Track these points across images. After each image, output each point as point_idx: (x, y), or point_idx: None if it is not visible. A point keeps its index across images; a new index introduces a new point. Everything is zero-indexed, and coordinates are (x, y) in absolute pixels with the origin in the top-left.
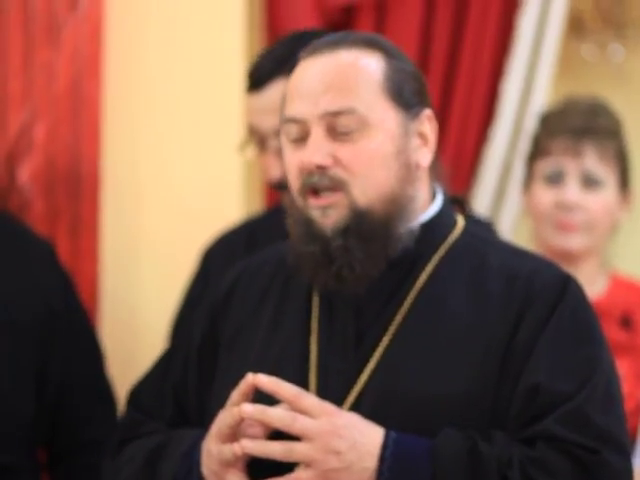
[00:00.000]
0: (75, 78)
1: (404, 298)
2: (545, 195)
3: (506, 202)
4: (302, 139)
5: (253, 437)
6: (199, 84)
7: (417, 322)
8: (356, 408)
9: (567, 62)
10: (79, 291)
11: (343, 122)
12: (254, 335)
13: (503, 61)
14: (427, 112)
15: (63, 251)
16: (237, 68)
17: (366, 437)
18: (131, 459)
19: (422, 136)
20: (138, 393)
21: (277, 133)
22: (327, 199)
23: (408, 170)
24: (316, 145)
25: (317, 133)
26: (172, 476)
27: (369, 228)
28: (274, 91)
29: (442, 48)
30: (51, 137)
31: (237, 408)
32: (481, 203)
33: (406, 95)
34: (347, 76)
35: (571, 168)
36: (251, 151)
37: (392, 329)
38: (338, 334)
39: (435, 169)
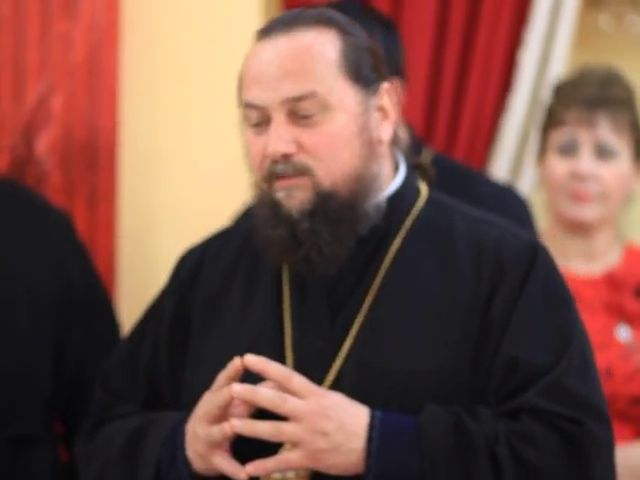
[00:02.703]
0: (92, 49)
1: (375, 274)
2: (559, 165)
3: (524, 172)
4: (263, 123)
5: (238, 416)
6: (216, 55)
7: (390, 297)
8: (335, 387)
9: (584, 33)
10: (96, 263)
11: (304, 106)
12: (225, 315)
13: (521, 32)
14: (385, 85)
15: (80, 223)
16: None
17: (353, 418)
18: (108, 442)
19: (382, 110)
20: (108, 375)
21: None
22: (291, 181)
23: (371, 147)
24: (279, 133)
25: (279, 119)
26: (155, 459)
27: (335, 209)
28: None
29: (459, 18)
30: (68, 108)
31: (227, 388)
32: (499, 173)
33: (364, 72)
34: (304, 60)
35: (585, 138)
36: None
37: (366, 306)
38: (312, 314)
39: (395, 139)
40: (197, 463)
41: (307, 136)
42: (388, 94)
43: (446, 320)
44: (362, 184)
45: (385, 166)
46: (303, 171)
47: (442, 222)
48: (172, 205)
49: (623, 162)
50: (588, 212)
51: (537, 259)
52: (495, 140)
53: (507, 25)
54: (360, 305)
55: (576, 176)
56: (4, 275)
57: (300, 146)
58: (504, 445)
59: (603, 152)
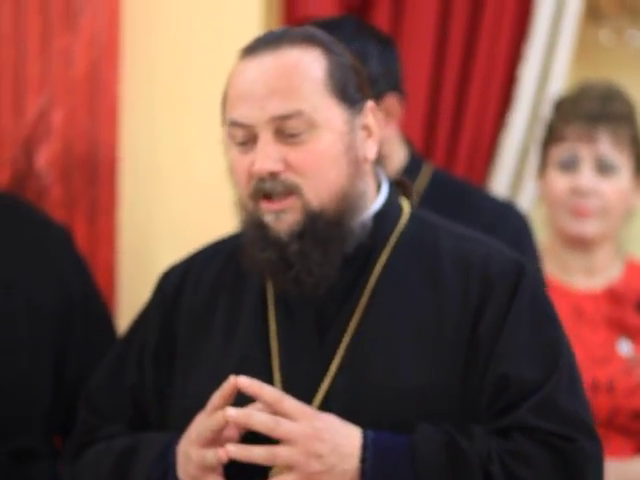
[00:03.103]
0: (93, 63)
1: (362, 292)
2: (560, 181)
3: (523, 188)
4: (249, 142)
5: (229, 439)
6: (217, 69)
7: (377, 315)
8: (324, 407)
9: (584, 48)
10: (96, 277)
11: (291, 125)
12: (211, 332)
13: (521, 47)
14: (369, 104)
15: (80, 237)
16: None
17: (346, 439)
18: (95, 464)
19: (366, 128)
20: (92, 395)
21: None
22: (280, 204)
23: (357, 165)
24: (266, 151)
25: (266, 138)
26: (145, 479)
27: (324, 229)
28: None
29: (460, 34)
30: (69, 122)
31: (221, 412)
32: (499, 189)
33: (349, 91)
34: (291, 78)
35: (585, 154)
36: None
37: (353, 325)
38: (299, 334)
39: (380, 159)
40: None
41: (294, 154)
42: (372, 113)
43: (434, 337)
44: (349, 202)
45: (370, 184)
46: (291, 190)
47: (427, 239)
48: (172, 219)
49: (624, 177)
50: (589, 227)
51: (524, 276)
52: (495, 155)
53: (507, 40)
54: (347, 324)
55: (577, 192)
56: (4, 289)
57: (287, 164)
58: (497, 464)
59: (604, 167)
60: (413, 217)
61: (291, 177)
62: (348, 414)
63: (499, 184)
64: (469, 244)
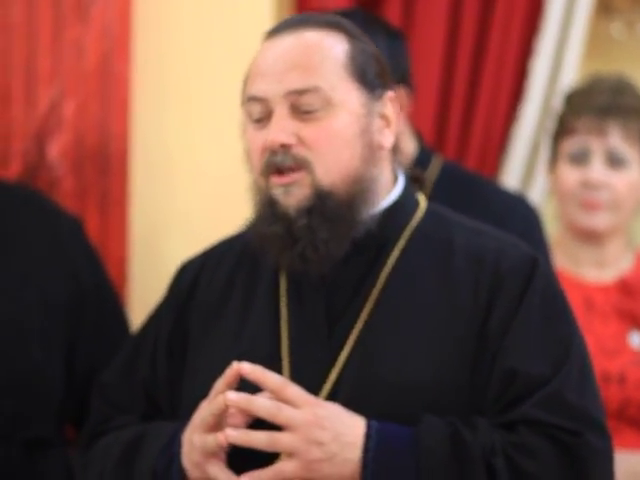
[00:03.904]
0: (104, 55)
1: (373, 284)
2: (570, 174)
3: (535, 181)
4: (265, 119)
5: (235, 427)
6: (228, 61)
7: (388, 308)
8: (332, 397)
9: (596, 41)
10: (107, 268)
11: (307, 100)
12: (223, 326)
13: (532, 40)
14: (389, 94)
15: (92, 228)
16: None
17: (348, 428)
18: (105, 453)
19: (384, 117)
20: (106, 386)
21: None
22: (290, 177)
23: (371, 151)
24: (280, 124)
25: (281, 112)
26: (151, 469)
27: (333, 208)
28: None
29: (471, 27)
30: (80, 114)
31: (222, 396)
32: (510, 182)
33: (369, 76)
34: (311, 56)
35: (596, 147)
36: None
37: (364, 316)
38: (309, 323)
39: (396, 151)
40: (192, 473)
41: (308, 130)
42: (392, 103)
43: (444, 332)
44: (361, 186)
45: (384, 174)
46: (302, 164)
47: (441, 234)
48: (183, 210)
49: (634, 170)
50: (600, 221)
51: (536, 271)
52: (506, 149)
53: (518, 34)
54: (358, 315)
55: (587, 185)
56: (17, 279)
57: (300, 139)
58: (501, 456)
59: (614, 160)
60: (429, 212)
61: (302, 152)
62: (355, 406)
63: (510, 177)
64: (482, 239)
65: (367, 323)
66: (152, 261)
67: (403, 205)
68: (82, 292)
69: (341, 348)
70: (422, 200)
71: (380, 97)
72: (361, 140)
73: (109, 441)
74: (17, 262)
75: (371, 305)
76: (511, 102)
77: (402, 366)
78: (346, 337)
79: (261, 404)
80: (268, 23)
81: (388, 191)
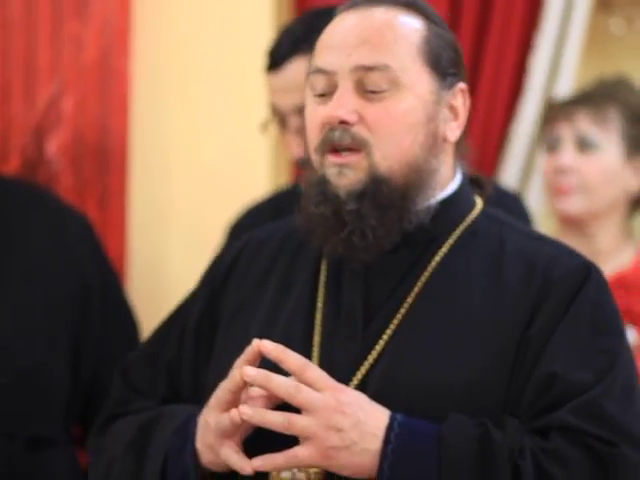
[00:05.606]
0: (104, 51)
1: (417, 279)
2: (546, 162)
3: (534, 178)
4: (328, 94)
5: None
6: (227, 57)
7: (429, 305)
8: (360, 390)
9: (595, 37)
10: None
11: (374, 79)
12: (256, 311)
13: (531, 36)
14: (461, 85)
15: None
16: (265, 44)
17: (370, 418)
18: (118, 436)
19: (453, 110)
20: (129, 369)
21: (297, 112)
22: (346, 158)
23: (435, 141)
24: (342, 99)
25: (345, 87)
26: (164, 451)
27: (386, 195)
28: (293, 70)
29: (470, 23)
30: (79, 110)
31: (238, 370)
32: (509, 179)
33: (443, 63)
34: (384, 33)
35: (565, 133)
36: (273, 129)
37: (403, 311)
38: (345, 314)
39: (460, 147)
40: (205, 456)
41: (371, 110)
42: (462, 96)
43: (486, 335)
44: (418, 176)
45: (445, 167)
46: (360, 145)
47: (494, 236)
48: (182, 206)
49: (608, 154)
50: (570, 205)
51: (588, 281)
52: (505, 145)
53: (517, 29)
54: (397, 310)
55: (558, 170)
56: (21, 276)
57: (362, 118)
58: (529, 459)
59: (584, 145)
60: (484, 214)
61: (362, 131)
62: (381, 401)
63: (509, 174)
64: (537, 244)
65: (404, 319)
66: (151, 256)
67: (458, 203)
68: (88, 290)
69: (375, 343)
70: (479, 202)
71: (451, 87)
72: (425, 128)
73: (123, 425)
74: (21, 260)
75: (411, 300)
76: (510, 99)
77: (435, 367)
78: (382, 332)
79: (280, 382)
80: (267, 19)
81: (445, 187)
